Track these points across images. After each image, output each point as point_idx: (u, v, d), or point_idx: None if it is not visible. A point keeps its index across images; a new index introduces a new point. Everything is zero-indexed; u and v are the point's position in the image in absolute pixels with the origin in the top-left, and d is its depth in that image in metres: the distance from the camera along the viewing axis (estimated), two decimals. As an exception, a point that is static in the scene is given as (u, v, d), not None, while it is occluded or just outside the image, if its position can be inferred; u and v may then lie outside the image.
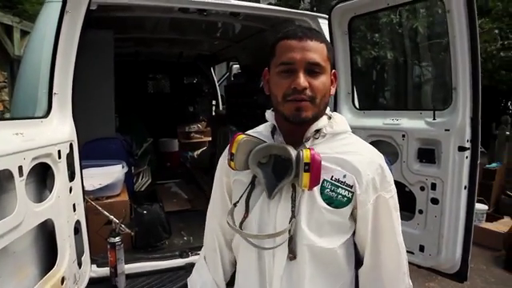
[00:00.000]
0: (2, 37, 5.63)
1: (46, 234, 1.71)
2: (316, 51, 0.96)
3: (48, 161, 1.60)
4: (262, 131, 1.11)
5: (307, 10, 6.92)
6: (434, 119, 2.00)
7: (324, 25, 2.56)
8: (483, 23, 5.40)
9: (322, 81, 0.97)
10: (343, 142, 1.05)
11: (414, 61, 5.49)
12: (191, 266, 2.23)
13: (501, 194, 4.97)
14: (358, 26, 5.17)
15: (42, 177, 1.68)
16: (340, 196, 0.98)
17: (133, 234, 2.10)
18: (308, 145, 1.00)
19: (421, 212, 2.05)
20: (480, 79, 1.84)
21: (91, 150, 2.29)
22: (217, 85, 5.98)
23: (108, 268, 2.09)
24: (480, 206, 4.54)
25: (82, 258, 1.90)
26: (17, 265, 1.52)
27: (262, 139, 1.03)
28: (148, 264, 2.22)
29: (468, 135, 1.87)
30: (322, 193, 0.98)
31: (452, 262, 1.96)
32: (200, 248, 2.35)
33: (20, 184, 1.37)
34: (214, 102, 6.03)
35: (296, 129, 1.00)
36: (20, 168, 1.37)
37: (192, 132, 5.35)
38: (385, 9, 2.21)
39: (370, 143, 2.31)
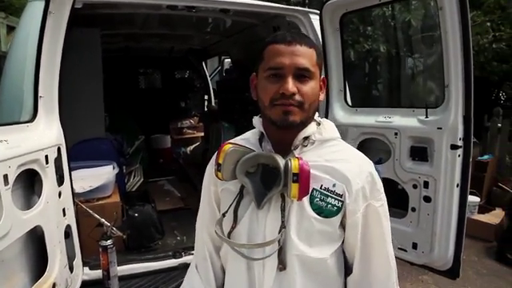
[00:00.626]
0: (-13, 33, 5.49)
1: (36, 240, 1.68)
2: (305, 56, 0.94)
3: (35, 167, 1.57)
4: (249, 138, 1.08)
5: (299, 5, 6.87)
6: (427, 117, 1.99)
7: (315, 21, 2.54)
8: (475, 16, 5.39)
9: (311, 86, 0.95)
10: (332, 149, 1.03)
11: (406, 55, 5.48)
12: (185, 266, 2.24)
13: (492, 186, 5.01)
14: (351, 19, 5.13)
15: (29, 183, 1.65)
16: (330, 205, 0.97)
17: (124, 236, 2.08)
18: (297, 153, 0.98)
19: (413, 210, 2.06)
20: (472, 77, 1.83)
21: (81, 151, 2.26)
22: (209, 79, 5.93)
23: (100, 270, 2.08)
24: (472, 198, 4.57)
25: (74, 262, 1.88)
26: (6, 273, 1.50)
27: (249, 148, 1.00)
28: (141, 265, 2.22)
29: (460, 133, 1.86)
30: (311, 202, 0.97)
31: (444, 260, 1.97)
32: (193, 248, 2.35)
33: (6, 193, 1.34)
34: (206, 97, 5.98)
35: (284, 135, 0.98)
36: (5, 176, 1.34)
37: (184, 127, 5.32)
38: (376, 5, 2.19)
39: (363, 141, 2.32)
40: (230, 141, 1.06)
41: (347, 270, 1.07)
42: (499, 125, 5.31)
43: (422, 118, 2.00)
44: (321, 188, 0.97)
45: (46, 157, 1.64)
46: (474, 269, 3.85)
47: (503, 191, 4.84)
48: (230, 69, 5.16)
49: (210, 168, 1.10)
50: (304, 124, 0.97)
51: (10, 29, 5.85)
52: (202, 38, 4.49)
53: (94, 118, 2.89)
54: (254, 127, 1.08)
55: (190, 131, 5.37)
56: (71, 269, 1.85)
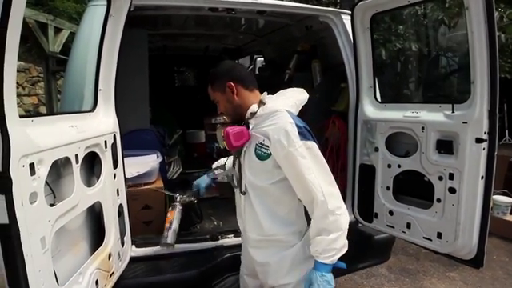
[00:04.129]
0: (38, 34, 5.91)
1: (95, 215, 1.92)
2: (210, 95, 1.76)
3: (97, 150, 1.80)
4: None
5: (330, 4, 6.95)
6: (453, 112, 2.08)
7: (347, 21, 2.67)
8: (511, 14, 5.30)
9: (221, 105, 1.73)
10: (272, 119, 1.57)
11: (437, 53, 5.46)
12: (221, 248, 2.43)
13: (526, 187, 4.93)
14: (383, 19, 5.17)
15: (90, 164, 1.88)
16: (263, 153, 1.58)
17: (195, 201, 2.29)
18: (251, 122, 1.65)
19: (439, 201, 2.14)
20: (498, 73, 1.91)
21: (129, 141, 2.47)
22: (242, 78, 6.10)
23: (144, 248, 2.29)
24: (504, 199, 4.54)
25: (125, 238, 2.10)
26: (72, 240, 1.73)
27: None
28: (182, 246, 2.37)
29: (485, 127, 1.94)
30: (255, 152, 1.61)
31: (468, 249, 2.05)
32: (228, 232, 2.53)
33: (76, 170, 1.57)
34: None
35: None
36: (76, 156, 1.57)
37: (218, 124, 5.51)
38: (406, 6, 2.29)
39: (391, 135, 2.44)
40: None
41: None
42: (535, 125, 5.21)
43: (449, 112, 2.09)
44: (258, 143, 1.59)
45: (105, 142, 1.86)
46: (505, 269, 3.84)
47: (537, 192, 4.76)
48: (263, 67, 5.32)
49: None
50: (235, 120, 1.72)
51: (57, 30, 6.28)
52: (237, 37, 4.66)
53: (141, 111, 3.13)
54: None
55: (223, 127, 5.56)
56: (122, 244, 2.08)
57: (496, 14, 6.31)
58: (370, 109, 2.55)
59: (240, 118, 1.68)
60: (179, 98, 5.50)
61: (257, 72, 5.68)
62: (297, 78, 3.61)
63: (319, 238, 1.50)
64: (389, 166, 2.42)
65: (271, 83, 4.25)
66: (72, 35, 5.98)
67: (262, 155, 1.58)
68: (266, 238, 1.67)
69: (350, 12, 2.54)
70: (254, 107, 1.64)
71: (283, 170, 1.55)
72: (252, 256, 1.76)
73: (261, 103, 1.64)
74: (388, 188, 2.44)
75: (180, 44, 5.06)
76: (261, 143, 1.58)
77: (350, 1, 4.95)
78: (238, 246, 2.30)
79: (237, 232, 2.48)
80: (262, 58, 5.72)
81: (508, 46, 5.65)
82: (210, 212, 2.95)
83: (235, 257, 2.24)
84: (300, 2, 6.33)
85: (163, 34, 4.33)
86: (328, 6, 7.18)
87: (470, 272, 3.65)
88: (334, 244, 1.48)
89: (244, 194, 1.69)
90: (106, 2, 1.87)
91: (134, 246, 2.28)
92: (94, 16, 2.18)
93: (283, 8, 2.72)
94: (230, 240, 2.45)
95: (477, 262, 2.08)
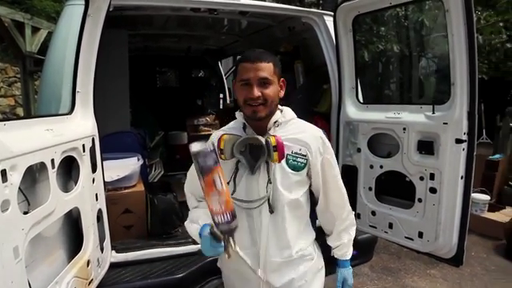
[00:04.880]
0: (15, 33, 5.74)
1: (72, 221, 1.86)
2: (265, 70, 1.36)
3: (74, 154, 1.75)
4: (235, 127, 1.51)
5: (313, 5, 6.98)
6: (434, 113, 2.11)
7: (329, 22, 2.68)
8: (488, 16, 5.44)
9: (271, 89, 1.38)
10: (293, 126, 1.49)
11: (418, 54, 5.55)
12: (204, 252, 2.39)
13: (503, 185, 5.06)
14: (365, 20, 5.22)
15: (68, 168, 1.82)
16: (299, 163, 1.45)
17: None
18: (271, 132, 1.43)
19: (420, 201, 2.17)
20: (477, 75, 1.95)
21: (109, 144, 2.41)
22: (224, 78, 6.09)
23: (125, 253, 2.24)
24: (482, 197, 4.64)
25: (104, 244, 2.05)
26: (48, 249, 1.67)
27: (238, 135, 1.42)
28: (163, 250, 2.34)
29: (465, 128, 1.98)
30: (287, 163, 1.44)
31: (449, 247, 2.08)
32: (212, 235, 2.48)
33: (52, 175, 1.52)
34: (221, 96, 6.14)
35: (259, 123, 1.43)
36: (52, 161, 1.52)
37: (201, 125, 5.46)
38: (388, 8, 2.30)
39: (373, 135, 2.46)
40: (221, 131, 1.49)
41: (314, 203, 1.58)
42: (511, 124, 5.35)
43: (429, 113, 2.12)
44: (292, 153, 1.44)
45: (83, 146, 1.81)
46: (483, 265, 3.92)
47: (514, 190, 4.89)
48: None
49: None
50: (269, 115, 1.41)
51: (35, 30, 6.12)
52: (219, 38, 4.63)
53: (121, 113, 3.07)
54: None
55: (205, 128, 5.51)
56: (102, 249, 2.03)
57: (473, 16, 6.46)
58: (352, 110, 2.57)
59: (266, 118, 1.42)
60: (161, 99, 5.43)
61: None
62: (279, 78, 3.60)
63: (346, 240, 1.59)
64: (371, 166, 2.43)
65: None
66: (50, 35, 5.83)
67: (298, 166, 1.44)
68: (292, 258, 1.49)
69: (332, 13, 2.55)
70: (278, 114, 1.46)
71: (314, 177, 1.49)
72: (270, 282, 1.49)
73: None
74: (370, 188, 2.46)
75: (162, 45, 5.00)
76: (296, 153, 1.44)
77: (333, 2, 4.98)
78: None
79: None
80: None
81: (485, 48, 5.79)
82: (192, 215, 2.90)
83: (217, 261, 2.22)
84: (283, 3, 6.35)
85: (144, 35, 4.27)
86: (310, 7, 7.23)
87: (449, 269, 3.72)
88: (352, 239, 1.62)
89: (272, 212, 1.43)
90: (83, 2, 1.82)
91: (114, 251, 2.23)
92: (71, 16, 2.12)
93: (265, 9, 2.71)
94: (213, 243, 2.42)
95: (457, 260, 2.11)
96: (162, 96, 5.69)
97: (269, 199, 1.42)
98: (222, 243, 1.25)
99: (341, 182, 1.56)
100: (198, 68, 6.66)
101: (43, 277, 1.53)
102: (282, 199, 1.43)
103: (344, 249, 1.60)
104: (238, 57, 6.31)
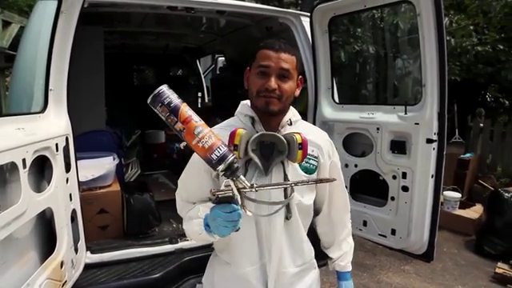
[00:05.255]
0: (-16, 28, 5.54)
1: (45, 221, 1.82)
2: (287, 61, 1.21)
3: (47, 153, 1.71)
4: (236, 124, 1.30)
5: (291, 5, 7.02)
6: (406, 114, 2.18)
7: (306, 23, 2.70)
8: (459, 19, 5.61)
9: (289, 85, 1.23)
10: (301, 126, 1.35)
11: (393, 56, 5.68)
12: (181, 251, 2.38)
13: (474, 183, 5.24)
14: (342, 21, 5.29)
15: (40, 168, 1.78)
16: (311, 165, 1.32)
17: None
18: (283, 130, 1.28)
19: (393, 199, 2.24)
20: (446, 77, 2.02)
21: (83, 143, 2.37)
22: (202, 77, 6.06)
23: (100, 254, 2.21)
24: (454, 194, 4.78)
25: (78, 245, 2.01)
26: (19, 250, 1.63)
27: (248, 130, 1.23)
28: (140, 250, 2.31)
29: (435, 128, 2.05)
30: (300, 165, 1.29)
31: (420, 244, 2.15)
32: (188, 235, 2.48)
33: (24, 175, 1.48)
34: (199, 94, 6.11)
35: (270, 119, 1.26)
36: (24, 160, 1.48)
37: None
38: (362, 10, 2.36)
39: (348, 135, 2.50)
40: (225, 127, 1.27)
41: (316, 213, 1.45)
42: (481, 125, 5.54)
43: (402, 114, 2.18)
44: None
45: (57, 145, 1.77)
46: (453, 260, 4.05)
47: (483, 188, 5.07)
48: (224, 67, 5.30)
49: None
50: (281, 111, 1.26)
51: (5, 23, 5.91)
52: (197, 36, 4.61)
53: (96, 112, 3.02)
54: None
55: (184, 127, 5.48)
56: (76, 250, 1.99)
57: (446, 19, 6.68)
58: (328, 110, 2.61)
59: (278, 114, 1.26)
60: (138, 98, 5.33)
61: (217, 72, 5.65)
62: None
63: (348, 248, 1.53)
64: (346, 165, 2.48)
65: (232, 84, 4.27)
66: (22, 30, 5.65)
67: (310, 168, 1.31)
68: (304, 266, 1.39)
69: (309, 14, 2.58)
70: (291, 112, 1.32)
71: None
72: None
73: None
74: (345, 187, 2.50)
75: (139, 42, 4.93)
76: (309, 154, 1.29)
77: (311, 2, 5.03)
78: (198, 249, 2.28)
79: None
80: (223, 58, 5.70)
81: (457, 50, 5.98)
82: (168, 214, 2.88)
83: (194, 259, 2.21)
84: (262, 3, 6.37)
85: (122, 32, 4.20)
86: (289, 7, 7.28)
87: (422, 265, 3.82)
88: (352, 248, 1.56)
89: (288, 218, 1.28)
90: (56, -1, 1.78)
91: (89, 252, 2.19)
92: (44, 12, 2.07)
93: (242, 8, 2.72)
94: (190, 243, 2.41)
95: (428, 255, 2.19)
96: (139, 94, 5.58)
97: (288, 204, 1.26)
98: (235, 199, 1.04)
99: (344, 186, 1.51)
100: (176, 66, 6.60)
101: (14, 279, 1.50)
102: (296, 204, 1.28)
103: (346, 258, 1.52)
104: (217, 56, 6.28)
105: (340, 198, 1.47)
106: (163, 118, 1.07)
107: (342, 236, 1.51)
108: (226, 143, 1.11)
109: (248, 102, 1.31)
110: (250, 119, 1.28)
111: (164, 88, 1.09)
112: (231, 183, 1.04)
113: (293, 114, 1.33)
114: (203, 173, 1.25)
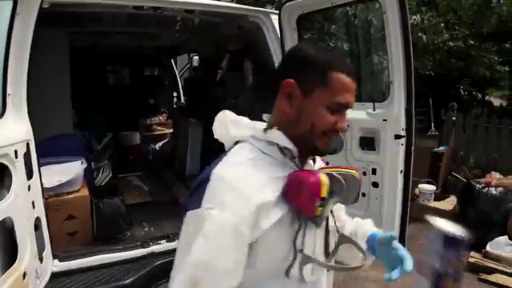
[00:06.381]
0: None
1: (5, 231, 1.75)
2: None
3: (4, 161, 1.64)
4: (257, 156, 0.92)
5: (268, 3, 7.01)
6: (374, 110, 2.19)
7: (276, 20, 2.69)
8: (431, 17, 5.71)
9: None
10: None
11: (365, 52, 5.74)
12: (152, 255, 2.35)
13: (447, 175, 5.34)
14: (314, 17, 5.31)
15: (-2, 176, 1.71)
16: None
17: None
18: (313, 164, 1.02)
19: (364, 195, 2.24)
20: (413, 74, 2.04)
21: (49, 148, 2.31)
22: (178, 76, 5.98)
23: (68, 262, 2.15)
24: (428, 187, 4.87)
25: (43, 254, 1.95)
26: (-23, 262, 1.56)
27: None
28: (110, 255, 2.27)
29: (403, 124, 2.06)
30: None
31: (391, 239, 2.17)
32: (160, 238, 2.45)
33: (-23, 185, 1.42)
34: (175, 94, 6.03)
35: (308, 155, 0.99)
36: (-24, 169, 1.42)
37: (154, 124, 5.36)
38: (329, 8, 2.35)
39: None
40: (248, 166, 0.89)
41: None
42: (454, 118, 5.66)
43: (370, 111, 2.19)
44: None
45: (16, 151, 1.70)
46: (429, 252, 4.13)
47: (457, 180, 5.18)
48: (198, 66, 5.24)
49: (243, 209, 0.83)
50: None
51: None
52: (171, 35, 4.53)
53: (62, 116, 2.92)
54: None
55: (159, 128, 5.41)
56: (41, 260, 1.92)
57: (418, 16, 6.79)
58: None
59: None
60: (112, 99, 5.24)
61: (191, 71, 5.58)
62: (229, 77, 3.60)
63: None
64: (318, 163, 2.48)
65: (205, 82, 4.23)
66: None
67: None
68: None
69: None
70: None
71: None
72: None
73: None
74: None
75: (112, 42, 4.80)
76: None
77: (288, 0, 5.02)
78: (171, 252, 2.24)
79: (169, 237, 2.42)
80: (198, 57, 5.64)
81: (429, 46, 6.09)
82: (141, 217, 2.84)
83: (167, 263, 2.17)
84: (237, 1, 6.32)
85: (92, 32, 4.08)
86: (265, 5, 7.26)
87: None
88: None
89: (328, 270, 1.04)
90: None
91: (56, 260, 2.12)
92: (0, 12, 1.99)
93: (212, 7, 2.69)
94: (162, 246, 2.38)
95: (399, 250, 2.20)
96: (112, 95, 5.49)
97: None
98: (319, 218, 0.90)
99: None
100: (151, 66, 6.50)
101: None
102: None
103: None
104: (192, 54, 6.18)
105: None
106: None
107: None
108: (264, 189, 0.85)
109: (262, 126, 0.97)
110: (282, 151, 0.93)
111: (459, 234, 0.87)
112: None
113: None
114: (247, 230, 0.84)
